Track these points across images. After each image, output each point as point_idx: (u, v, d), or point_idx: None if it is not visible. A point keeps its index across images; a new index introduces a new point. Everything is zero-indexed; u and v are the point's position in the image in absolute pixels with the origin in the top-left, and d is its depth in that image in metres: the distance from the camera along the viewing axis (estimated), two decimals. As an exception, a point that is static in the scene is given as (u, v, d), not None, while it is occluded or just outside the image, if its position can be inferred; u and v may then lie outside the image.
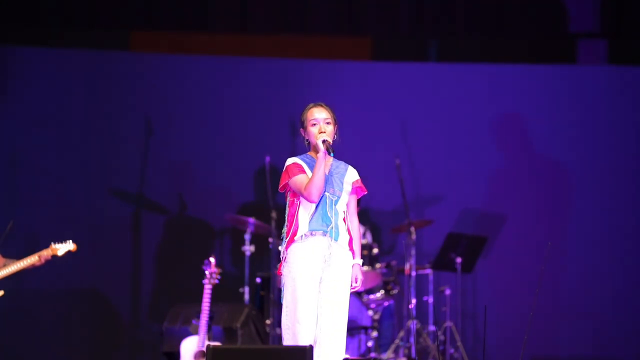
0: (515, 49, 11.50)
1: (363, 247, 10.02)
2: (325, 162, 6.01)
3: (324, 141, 5.99)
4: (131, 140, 10.82)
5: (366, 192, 6.25)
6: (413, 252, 10.11)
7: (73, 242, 7.88)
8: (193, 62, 11.08)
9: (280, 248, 6.08)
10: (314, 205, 5.96)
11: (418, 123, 11.25)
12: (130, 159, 10.80)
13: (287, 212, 6.04)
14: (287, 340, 5.91)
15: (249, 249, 9.94)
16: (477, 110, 11.26)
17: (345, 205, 6.08)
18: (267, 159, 10.33)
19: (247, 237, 9.90)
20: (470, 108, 11.26)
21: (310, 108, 6.14)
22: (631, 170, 11.22)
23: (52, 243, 7.82)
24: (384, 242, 10.84)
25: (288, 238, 5.98)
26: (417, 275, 10.29)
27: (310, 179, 5.92)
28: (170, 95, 10.97)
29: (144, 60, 11.03)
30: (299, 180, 5.96)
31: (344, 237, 6.02)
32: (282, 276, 5.98)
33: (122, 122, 10.85)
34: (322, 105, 6.16)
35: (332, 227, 5.98)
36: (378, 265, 10.02)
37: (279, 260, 6.07)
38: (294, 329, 5.89)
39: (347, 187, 6.10)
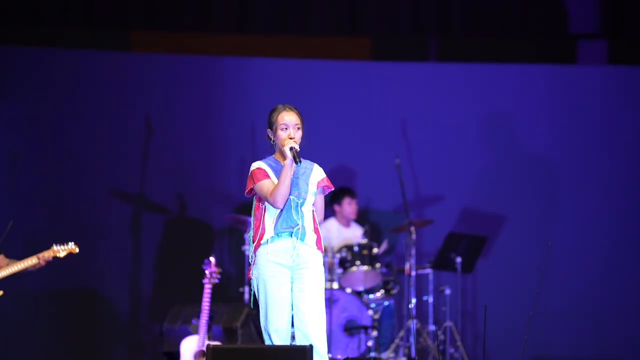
0: (516, 49, 11.50)
1: (362, 247, 10.03)
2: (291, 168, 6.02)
3: (291, 148, 5.96)
4: (131, 141, 10.82)
5: (333, 189, 6.22)
6: (413, 251, 10.11)
7: (74, 243, 7.87)
8: (193, 62, 11.08)
9: (249, 252, 6.09)
10: (278, 209, 5.97)
11: (418, 123, 11.25)
12: (130, 159, 10.80)
13: (252, 216, 6.05)
14: (267, 341, 5.96)
15: (248, 248, 9.93)
16: (477, 110, 11.26)
17: (311, 205, 6.08)
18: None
19: (246, 236, 9.90)
20: (470, 108, 11.26)
21: (281, 111, 6.10)
22: (631, 171, 11.22)
23: (53, 244, 7.82)
24: (384, 241, 10.83)
25: (255, 242, 6.00)
26: (417, 275, 10.29)
27: (276, 187, 5.92)
28: (171, 96, 10.97)
29: (144, 61, 11.03)
30: (264, 186, 5.97)
31: (310, 237, 6.02)
32: (252, 279, 6.00)
33: (122, 122, 10.85)
34: (292, 109, 6.13)
35: (299, 228, 5.98)
36: (378, 265, 10.02)
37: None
38: (271, 329, 5.94)
39: (312, 187, 6.08)
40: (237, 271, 10.65)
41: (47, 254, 7.74)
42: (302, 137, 6.12)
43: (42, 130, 10.70)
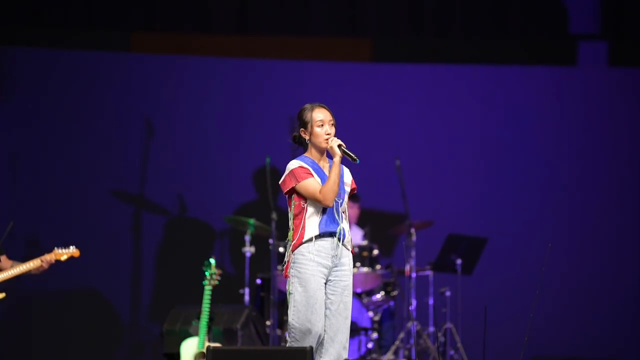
0: (516, 50, 11.50)
1: (363, 248, 10.03)
2: (324, 164, 6.03)
3: (339, 146, 5.97)
4: (132, 141, 10.82)
5: (355, 191, 6.23)
6: (413, 253, 10.11)
7: (75, 247, 7.87)
8: (194, 63, 11.08)
9: (285, 250, 6.06)
10: (321, 208, 5.97)
11: (418, 124, 11.25)
12: (130, 160, 10.81)
13: (292, 214, 6.01)
14: (294, 341, 5.89)
15: (249, 250, 9.94)
16: (477, 112, 11.26)
17: (346, 205, 6.08)
18: (268, 160, 10.33)
19: (247, 238, 9.90)
20: (470, 109, 11.26)
21: (314, 108, 6.10)
22: (632, 172, 11.23)
23: (55, 248, 7.82)
24: (384, 243, 10.84)
25: (295, 240, 5.97)
26: (417, 277, 10.29)
27: (328, 184, 5.91)
28: (171, 97, 10.97)
29: (144, 62, 11.03)
30: (310, 184, 5.94)
31: (348, 238, 6.04)
32: (289, 278, 5.97)
33: (122, 123, 10.85)
34: (324, 106, 6.15)
35: (341, 229, 5.99)
36: (378, 267, 10.02)
37: (280, 262, 6.07)
38: (304, 329, 5.87)
39: (347, 188, 6.10)
40: (238, 272, 10.65)
41: (49, 257, 7.74)
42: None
43: (42, 130, 10.70)
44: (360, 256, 10.00)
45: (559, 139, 11.28)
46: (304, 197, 5.97)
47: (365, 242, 10.11)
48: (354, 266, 9.96)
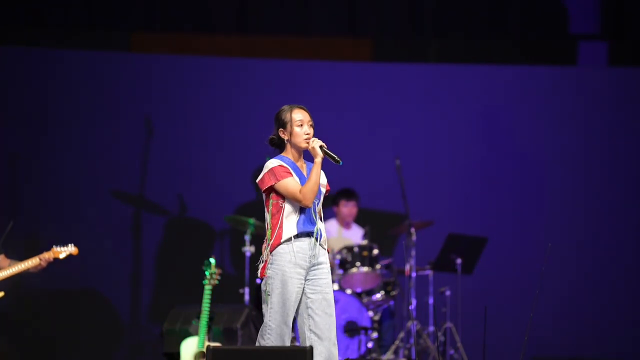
0: (516, 50, 11.51)
1: (362, 248, 10.02)
2: (301, 165, 6.08)
3: (321, 147, 6.00)
4: (132, 141, 10.82)
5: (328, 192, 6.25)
6: (413, 253, 10.11)
7: (74, 245, 7.88)
8: (194, 63, 11.08)
9: (263, 250, 6.05)
10: (299, 208, 5.98)
11: (418, 124, 11.25)
12: (130, 160, 10.80)
13: (269, 213, 6.02)
14: (269, 342, 5.91)
15: (249, 249, 9.94)
16: (477, 111, 11.26)
17: (321, 206, 6.11)
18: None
19: (247, 237, 9.90)
20: (470, 109, 11.26)
21: (293, 109, 6.14)
22: (631, 172, 11.22)
23: (53, 246, 7.83)
24: (384, 243, 10.84)
25: (273, 240, 5.97)
26: (417, 276, 10.29)
27: (308, 184, 5.94)
28: (171, 97, 10.97)
29: (144, 62, 11.03)
30: (290, 183, 5.96)
31: (324, 238, 6.06)
32: (266, 278, 5.97)
33: (122, 123, 10.85)
34: (304, 108, 6.17)
35: (318, 229, 6.01)
36: (378, 266, 10.02)
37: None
38: (280, 331, 5.91)
39: (323, 189, 6.11)
40: (237, 272, 10.65)
41: (48, 255, 7.75)
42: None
43: (42, 130, 10.70)
44: (360, 256, 10.00)
45: (559, 139, 11.28)
46: (282, 196, 5.98)
47: (365, 242, 10.10)
48: (354, 266, 9.96)
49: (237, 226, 10.08)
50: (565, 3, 11.41)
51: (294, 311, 5.94)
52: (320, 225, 6.02)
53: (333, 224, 10.46)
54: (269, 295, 5.94)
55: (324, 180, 6.13)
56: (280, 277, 5.92)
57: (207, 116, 11.01)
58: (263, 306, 5.98)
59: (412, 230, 10.09)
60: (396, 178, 10.44)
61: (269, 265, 5.96)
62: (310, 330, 5.96)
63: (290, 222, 5.97)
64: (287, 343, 5.91)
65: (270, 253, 5.96)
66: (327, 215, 10.74)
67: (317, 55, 11.33)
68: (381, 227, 10.82)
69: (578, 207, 11.20)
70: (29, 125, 10.70)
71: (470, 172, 11.22)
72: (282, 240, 5.96)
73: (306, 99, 10.99)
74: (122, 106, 10.89)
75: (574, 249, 11.12)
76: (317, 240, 6.00)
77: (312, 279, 5.99)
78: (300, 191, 5.93)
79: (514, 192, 11.25)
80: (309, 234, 5.98)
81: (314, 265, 5.99)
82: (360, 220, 10.58)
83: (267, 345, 5.90)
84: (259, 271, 6.01)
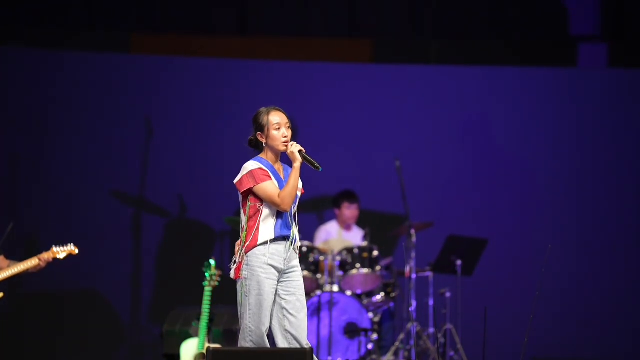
0: (516, 51, 11.50)
1: (363, 249, 10.02)
2: (279, 167, 6.09)
3: (300, 151, 5.99)
4: (131, 142, 10.82)
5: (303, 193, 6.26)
6: (413, 254, 10.10)
7: (74, 245, 7.87)
8: (194, 64, 11.07)
9: (237, 252, 6.05)
10: (276, 211, 6.00)
11: (418, 125, 11.25)
12: (130, 161, 10.80)
13: (246, 216, 6.02)
14: (250, 343, 5.94)
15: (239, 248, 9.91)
16: (477, 113, 11.26)
17: (296, 209, 6.12)
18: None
19: (247, 239, 9.87)
20: (470, 110, 11.26)
21: (270, 111, 6.14)
22: (632, 174, 11.22)
23: (53, 246, 7.82)
24: (384, 244, 10.83)
25: (249, 242, 5.98)
26: (417, 278, 10.29)
27: (286, 189, 5.95)
28: (171, 98, 10.97)
29: (144, 63, 11.03)
30: (269, 187, 5.97)
31: (298, 242, 6.10)
32: (241, 279, 5.98)
33: (122, 124, 10.85)
34: (281, 110, 6.15)
35: (293, 233, 6.04)
36: (378, 268, 10.01)
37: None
38: (259, 332, 5.94)
39: (299, 193, 6.11)
40: (237, 273, 10.63)
41: (47, 255, 7.74)
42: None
43: (42, 131, 10.70)
44: (360, 257, 9.99)
45: (559, 140, 11.28)
46: (260, 199, 5.98)
47: (365, 243, 10.10)
48: (354, 267, 9.96)
49: (237, 227, 10.06)
50: (565, 4, 11.41)
51: (270, 311, 5.96)
52: (295, 229, 6.05)
53: (333, 225, 10.45)
54: (246, 296, 5.95)
55: (300, 183, 6.12)
56: (256, 279, 5.94)
57: (207, 117, 11.00)
58: (239, 308, 5.99)
59: (412, 231, 10.08)
60: (396, 179, 10.43)
61: (244, 267, 5.98)
62: (286, 330, 6.00)
63: (267, 225, 5.99)
64: (267, 344, 5.95)
65: (246, 254, 5.97)
66: (328, 216, 10.74)
67: (317, 57, 11.32)
68: (381, 228, 10.82)
69: (578, 209, 11.20)
70: (29, 126, 10.70)
71: (470, 174, 11.21)
72: (258, 243, 5.98)
73: (306, 100, 11.02)
74: (121, 107, 10.88)
75: (574, 251, 11.11)
76: (292, 244, 6.02)
77: (285, 281, 6.02)
78: (278, 195, 5.94)
79: (514, 193, 11.24)
80: (285, 238, 6.00)
81: (288, 269, 6.02)
82: (360, 221, 10.58)
83: (246, 345, 5.93)
84: (233, 272, 6.02)
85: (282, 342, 5.98)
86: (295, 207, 6.08)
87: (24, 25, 10.79)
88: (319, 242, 10.34)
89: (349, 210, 10.38)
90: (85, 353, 10.60)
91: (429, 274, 10.31)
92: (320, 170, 5.99)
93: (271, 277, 5.96)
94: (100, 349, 10.67)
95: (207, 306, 8.58)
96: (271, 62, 11.21)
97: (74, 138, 10.74)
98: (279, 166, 6.11)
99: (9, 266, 7.72)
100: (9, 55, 10.72)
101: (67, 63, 10.81)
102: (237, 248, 6.05)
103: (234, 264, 6.03)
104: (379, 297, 10.10)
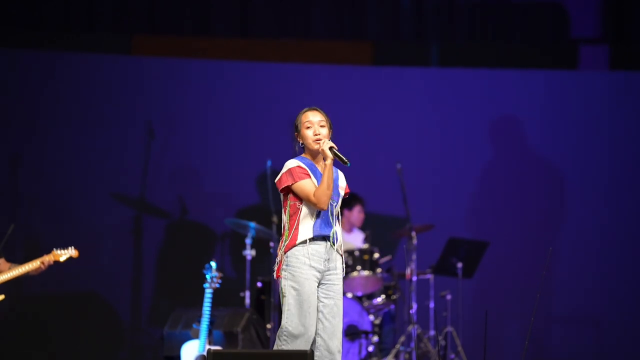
0: (517, 54, 11.50)
1: (363, 252, 10.02)
2: (318, 166, 6.02)
3: (330, 148, 5.93)
4: (132, 144, 10.82)
5: (347, 196, 6.20)
6: (414, 256, 10.10)
7: (75, 247, 7.87)
8: (195, 66, 11.08)
9: (279, 250, 6.04)
10: (315, 210, 5.94)
11: (419, 127, 11.25)
12: (131, 163, 10.81)
13: (287, 214, 5.98)
14: (285, 344, 5.86)
15: (249, 253, 9.94)
16: (478, 115, 11.26)
17: (338, 209, 6.06)
18: (269, 163, 10.34)
19: (248, 241, 9.90)
20: (471, 113, 11.26)
21: (305, 112, 6.09)
22: (632, 176, 11.22)
23: (54, 249, 7.82)
24: (385, 246, 10.84)
25: (288, 241, 5.95)
26: (418, 280, 10.29)
27: (321, 187, 5.87)
28: (172, 100, 10.98)
29: (145, 65, 11.03)
30: (306, 185, 5.92)
31: (340, 242, 6.02)
32: (281, 279, 5.95)
33: (123, 126, 10.85)
34: (315, 109, 6.10)
35: (334, 232, 5.97)
36: (379, 270, 10.02)
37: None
38: (296, 333, 5.84)
39: (341, 192, 6.08)
40: (238, 275, 10.65)
41: (48, 258, 7.74)
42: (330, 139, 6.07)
43: (43, 133, 10.71)
44: (361, 259, 10.00)
45: (560, 143, 11.28)
46: (299, 198, 5.95)
47: (366, 246, 10.10)
48: (355, 269, 9.96)
49: (238, 229, 10.08)
50: (567, 7, 11.41)
51: (313, 314, 5.88)
52: (336, 228, 5.98)
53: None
54: (285, 297, 5.92)
55: (342, 182, 6.10)
56: (296, 279, 5.89)
57: (208, 119, 11.01)
58: (282, 307, 5.95)
59: (413, 234, 10.09)
60: (397, 182, 10.44)
61: (284, 267, 5.92)
62: (318, 334, 5.92)
63: (306, 224, 5.93)
64: (303, 346, 5.84)
65: (285, 254, 5.94)
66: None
67: (318, 59, 11.33)
68: (382, 230, 10.82)
69: (579, 211, 11.20)
70: (30, 128, 10.70)
71: (471, 176, 11.22)
72: (297, 242, 5.92)
73: (307, 102, 10.99)
74: (122, 109, 10.89)
75: (575, 253, 11.11)
76: (332, 244, 5.96)
77: (326, 284, 5.94)
78: (314, 194, 5.90)
79: (515, 196, 11.24)
80: (325, 238, 5.94)
81: (328, 270, 5.95)
82: (363, 224, 10.59)
83: (283, 347, 5.86)
84: (275, 272, 5.98)
85: (316, 345, 5.89)
86: (338, 206, 6.00)
87: (24, 27, 10.79)
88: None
89: (360, 214, 10.42)
90: (85, 355, 10.61)
91: (430, 276, 10.32)
92: (349, 165, 5.95)
93: (311, 278, 5.89)
94: (101, 351, 10.68)
95: (208, 308, 8.58)
96: (272, 64, 11.21)
97: (75, 140, 10.74)
98: (320, 165, 6.04)
99: (9, 269, 7.72)
100: (10, 57, 10.72)
101: (69, 64, 10.81)
102: (279, 247, 6.01)
103: (276, 264, 5.99)
104: (379, 299, 10.11)
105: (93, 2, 10.86)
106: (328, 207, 5.93)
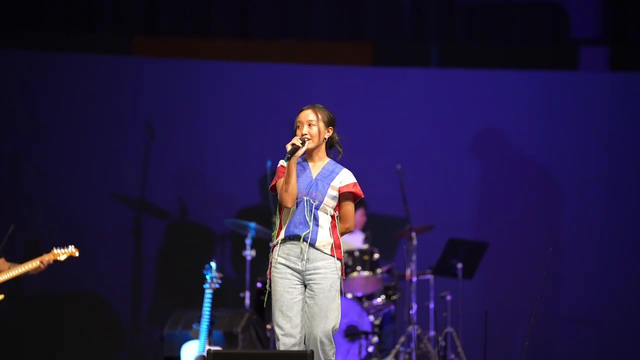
0: (517, 54, 11.51)
1: (363, 252, 10.02)
2: (314, 164, 6.00)
3: (292, 144, 5.91)
4: (133, 145, 10.82)
5: (362, 196, 6.12)
6: (414, 257, 10.11)
7: (75, 247, 7.87)
8: (195, 67, 11.08)
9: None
10: (294, 209, 5.91)
11: (419, 128, 11.25)
12: (131, 163, 10.81)
13: (277, 214, 6.03)
14: (278, 343, 5.88)
15: (249, 253, 9.94)
16: (478, 116, 11.26)
17: (332, 209, 5.97)
18: (268, 163, 10.34)
19: (248, 242, 9.90)
20: (471, 113, 11.26)
21: (300, 111, 6.09)
22: (632, 177, 11.22)
23: (53, 248, 7.82)
24: (385, 247, 10.84)
25: (274, 241, 5.97)
26: (418, 281, 10.29)
27: (281, 186, 5.89)
28: (172, 100, 10.98)
29: (145, 65, 11.04)
30: (278, 184, 5.95)
31: (323, 242, 5.90)
32: (268, 279, 5.97)
33: (123, 126, 10.86)
34: (309, 107, 6.08)
35: (309, 232, 5.90)
36: (379, 271, 10.02)
37: None
38: (277, 332, 5.87)
39: (333, 191, 5.97)
40: (238, 276, 10.65)
41: (47, 257, 7.74)
42: (334, 134, 6.11)
43: (43, 133, 10.71)
44: (361, 260, 10.00)
45: (560, 144, 11.28)
46: None
47: (366, 246, 10.11)
48: (355, 270, 9.95)
49: (238, 230, 10.08)
50: (567, 7, 11.41)
51: (287, 312, 5.86)
52: (314, 228, 5.88)
53: (334, 227, 10.45)
54: (269, 296, 5.95)
55: (336, 182, 6.00)
56: (273, 279, 5.91)
57: (208, 120, 11.01)
58: None
59: (413, 234, 10.09)
60: (397, 182, 10.44)
61: (272, 267, 5.96)
62: (306, 332, 5.90)
63: (285, 224, 5.94)
64: (290, 345, 5.82)
65: (271, 253, 5.96)
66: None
67: (318, 60, 11.33)
68: (382, 231, 10.82)
69: (579, 212, 11.20)
70: (30, 128, 10.70)
71: (471, 177, 11.22)
72: (276, 242, 5.94)
73: (307, 103, 10.99)
74: (123, 109, 10.89)
75: (575, 254, 11.11)
76: (308, 244, 5.88)
77: (308, 284, 5.90)
78: (279, 193, 5.91)
79: (515, 197, 11.24)
80: (298, 238, 5.90)
81: (307, 270, 5.89)
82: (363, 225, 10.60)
83: (279, 348, 5.86)
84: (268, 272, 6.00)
85: (307, 343, 5.90)
86: (323, 205, 5.89)
87: (25, 27, 10.80)
88: (319, 245, 10.33)
89: (363, 218, 10.44)
90: (85, 355, 10.60)
91: (430, 277, 10.32)
92: (285, 161, 5.86)
93: (286, 277, 5.87)
94: (101, 351, 10.67)
95: (208, 309, 8.58)
96: (272, 65, 11.21)
97: (76, 140, 10.75)
98: (311, 162, 6.03)
99: (9, 268, 7.72)
100: (10, 57, 10.72)
101: (69, 65, 10.81)
102: None
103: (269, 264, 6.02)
104: (379, 299, 10.11)
105: (93, 2, 10.86)
106: (302, 205, 5.89)
